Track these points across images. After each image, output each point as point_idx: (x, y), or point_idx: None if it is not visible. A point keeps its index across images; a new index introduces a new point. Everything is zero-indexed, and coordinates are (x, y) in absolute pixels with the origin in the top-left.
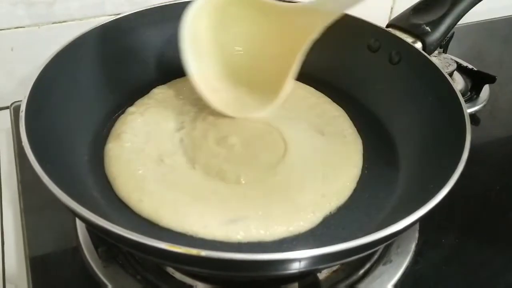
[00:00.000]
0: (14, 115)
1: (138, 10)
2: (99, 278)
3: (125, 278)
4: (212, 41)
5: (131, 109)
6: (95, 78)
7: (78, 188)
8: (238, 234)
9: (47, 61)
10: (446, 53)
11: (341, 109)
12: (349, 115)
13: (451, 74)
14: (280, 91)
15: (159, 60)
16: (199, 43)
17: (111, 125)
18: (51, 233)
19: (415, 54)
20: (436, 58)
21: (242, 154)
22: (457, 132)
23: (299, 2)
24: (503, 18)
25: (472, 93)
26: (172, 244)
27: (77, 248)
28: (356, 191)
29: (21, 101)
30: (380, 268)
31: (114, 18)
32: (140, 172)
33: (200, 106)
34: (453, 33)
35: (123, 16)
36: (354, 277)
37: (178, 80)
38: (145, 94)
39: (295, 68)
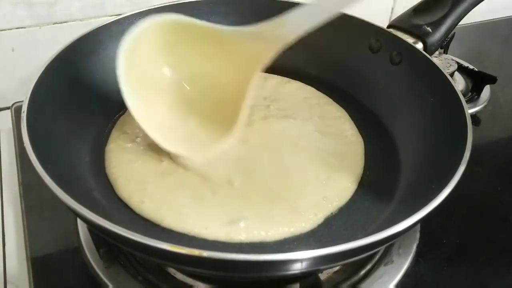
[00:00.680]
0: (15, 116)
1: (139, 11)
2: (101, 278)
3: (127, 278)
4: (155, 71)
5: None
6: (96, 78)
7: (80, 188)
8: (240, 235)
9: (48, 62)
10: (446, 53)
11: (342, 109)
12: (350, 116)
13: (452, 75)
14: (235, 122)
15: None
16: (140, 75)
17: (112, 125)
18: (52, 234)
19: (416, 54)
20: (437, 59)
21: (243, 154)
22: (458, 132)
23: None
24: (504, 18)
25: (473, 93)
26: (174, 245)
27: (78, 249)
28: (357, 192)
29: (22, 101)
30: (382, 269)
31: (115, 19)
32: (141, 173)
33: None
34: (454, 34)
35: (124, 17)
36: (356, 278)
37: None
38: None
39: (248, 96)
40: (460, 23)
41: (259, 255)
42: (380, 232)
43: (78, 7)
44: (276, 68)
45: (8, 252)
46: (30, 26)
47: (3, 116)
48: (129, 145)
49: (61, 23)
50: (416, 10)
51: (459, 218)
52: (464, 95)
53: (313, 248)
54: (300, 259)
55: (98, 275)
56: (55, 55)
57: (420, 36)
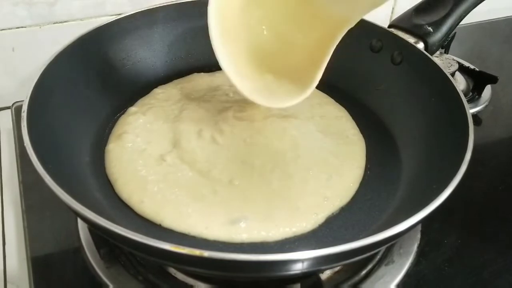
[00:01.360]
0: (15, 115)
1: (139, 10)
2: (101, 278)
3: (127, 278)
4: (241, 23)
5: (132, 109)
6: (96, 78)
7: (80, 188)
8: (241, 235)
9: (48, 61)
10: (447, 53)
11: (343, 109)
12: (351, 116)
13: (453, 75)
14: (311, 82)
15: (160, 59)
16: (226, 25)
17: (112, 125)
18: (53, 234)
19: (417, 54)
20: (438, 59)
21: (244, 153)
22: (459, 132)
23: None
24: (505, 18)
25: (474, 93)
26: (175, 245)
27: (79, 249)
28: (358, 192)
29: (22, 101)
30: (383, 269)
31: (115, 18)
32: (141, 172)
33: None
34: (455, 34)
35: (124, 16)
36: (357, 278)
37: (179, 80)
38: (147, 94)
39: (327, 58)
40: (461, 23)
41: (259, 255)
42: (381, 232)
43: (78, 7)
44: None
45: (8, 252)
46: (30, 26)
47: (3, 116)
48: (129, 145)
49: (61, 22)
50: (417, 10)
51: (460, 218)
52: (465, 95)
53: (314, 248)
54: (301, 259)
55: (98, 275)
56: (56, 54)
57: (421, 36)
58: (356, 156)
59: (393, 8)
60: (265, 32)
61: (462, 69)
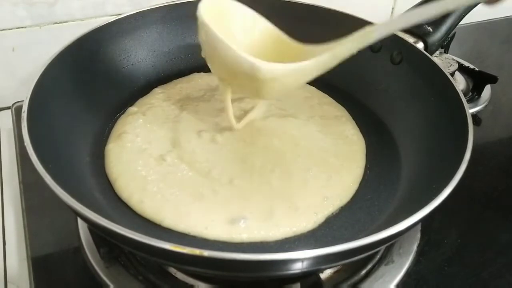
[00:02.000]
0: (15, 116)
1: (139, 10)
2: (101, 278)
3: (127, 278)
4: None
5: (132, 109)
6: (96, 78)
7: (80, 188)
8: (241, 235)
9: (48, 61)
10: (447, 53)
11: (343, 109)
12: (351, 116)
13: (452, 74)
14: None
15: (160, 59)
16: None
17: (112, 125)
18: (53, 233)
19: (417, 54)
20: (438, 58)
21: (244, 153)
22: (459, 132)
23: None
24: (504, 18)
25: (474, 93)
26: (175, 244)
27: (79, 248)
28: (358, 192)
29: (22, 101)
30: (382, 269)
31: (115, 19)
32: (141, 172)
33: None
34: (455, 33)
35: (124, 16)
36: (356, 277)
37: (179, 79)
38: (146, 94)
39: None
40: (461, 22)
41: (259, 254)
42: (381, 232)
43: (78, 7)
44: None
45: (8, 251)
46: (30, 26)
47: (3, 116)
48: (129, 144)
49: (61, 23)
50: None
51: (460, 218)
52: (465, 94)
53: (313, 248)
54: (300, 259)
55: (98, 274)
56: (56, 54)
57: (421, 35)
58: (356, 156)
59: (393, 8)
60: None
61: (461, 69)
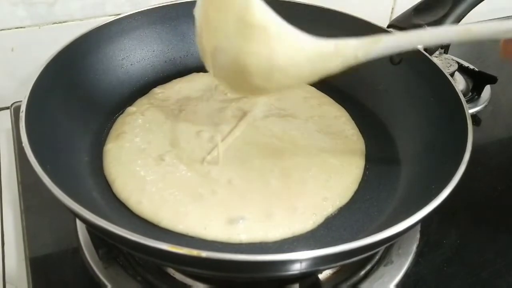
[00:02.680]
0: (14, 116)
1: (138, 10)
2: (100, 279)
3: (126, 279)
4: None
5: (131, 109)
6: (95, 78)
7: (79, 189)
8: (239, 235)
9: (47, 62)
10: (447, 53)
11: (343, 109)
12: (351, 116)
13: (452, 75)
14: None
15: (159, 59)
16: None
17: (111, 125)
18: (52, 234)
19: (417, 54)
20: (437, 59)
21: (243, 153)
22: (458, 132)
23: None
24: (504, 18)
25: (474, 93)
26: (173, 245)
27: (78, 249)
28: (357, 192)
29: (21, 101)
30: (381, 269)
31: (115, 19)
32: (140, 173)
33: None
34: None
35: (123, 16)
36: (355, 278)
37: (178, 79)
38: (146, 94)
39: None
40: (461, 23)
41: (258, 255)
42: (380, 233)
43: (77, 7)
44: None
45: (7, 252)
46: (29, 26)
47: (2, 116)
48: (128, 145)
49: (60, 23)
50: (416, 10)
51: (459, 219)
52: (465, 95)
53: (313, 249)
54: (299, 260)
55: (97, 275)
56: (54, 54)
57: None
58: (355, 156)
59: (392, 8)
60: None
61: (461, 69)
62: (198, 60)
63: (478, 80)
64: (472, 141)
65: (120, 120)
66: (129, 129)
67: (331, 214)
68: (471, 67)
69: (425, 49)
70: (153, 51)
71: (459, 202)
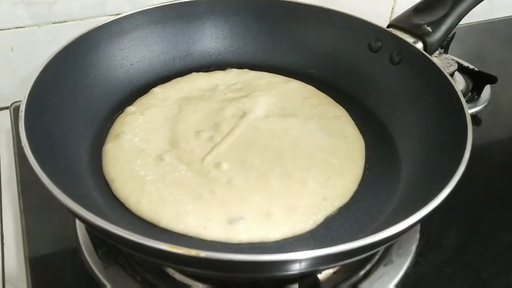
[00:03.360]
0: (14, 116)
1: (138, 10)
2: (99, 279)
3: (125, 278)
4: None
5: (130, 108)
6: (95, 78)
7: (78, 188)
8: (239, 235)
9: (47, 61)
10: (447, 53)
11: (343, 109)
12: (351, 115)
13: (452, 75)
14: None
15: (159, 59)
16: None
17: (111, 125)
18: (51, 234)
19: (416, 54)
20: (437, 59)
21: (243, 153)
22: (458, 132)
23: None
24: (504, 18)
25: (473, 93)
26: (172, 245)
27: (77, 249)
28: (357, 192)
29: (21, 101)
30: (381, 269)
31: (114, 18)
32: (139, 173)
33: None
34: (454, 33)
35: (123, 16)
36: (355, 278)
37: (178, 79)
38: (145, 94)
39: None
40: (461, 22)
41: (257, 255)
42: (379, 232)
43: (77, 7)
44: (277, 67)
45: (6, 252)
46: (29, 26)
47: (2, 116)
48: (127, 144)
49: (60, 22)
50: (416, 10)
51: (459, 218)
52: (465, 95)
53: (312, 249)
54: (299, 260)
55: (96, 275)
56: (54, 54)
57: (420, 35)
58: (355, 156)
59: (392, 8)
60: None
61: (461, 69)
62: (198, 60)
63: (478, 80)
64: (472, 141)
65: (119, 119)
66: (129, 129)
67: (331, 214)
68: (471, 67)
69: (425, 49)
70: (153, 51)
71: (459, 202)
